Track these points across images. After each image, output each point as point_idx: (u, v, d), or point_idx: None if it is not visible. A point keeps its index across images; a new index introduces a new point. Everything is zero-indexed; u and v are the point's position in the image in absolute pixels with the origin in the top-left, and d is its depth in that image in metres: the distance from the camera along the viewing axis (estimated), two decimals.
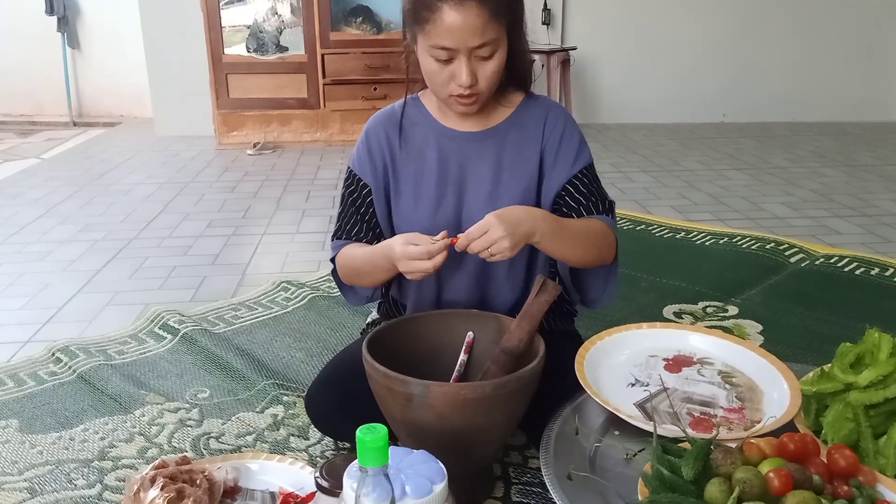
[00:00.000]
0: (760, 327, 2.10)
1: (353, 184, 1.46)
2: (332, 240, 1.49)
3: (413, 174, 1.42)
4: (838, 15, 5.60)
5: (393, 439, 1.02)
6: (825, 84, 5.72)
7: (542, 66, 5.19)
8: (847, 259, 2.61)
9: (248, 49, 4.95)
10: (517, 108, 1.42)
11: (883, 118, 5.76)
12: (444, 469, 0.96)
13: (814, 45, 5.65)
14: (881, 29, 5.66)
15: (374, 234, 1.46)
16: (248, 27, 4.95)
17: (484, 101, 1.34)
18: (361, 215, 1.45)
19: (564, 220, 1.36)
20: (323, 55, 4.90)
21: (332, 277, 1.56)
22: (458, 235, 1.25)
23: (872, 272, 2.50)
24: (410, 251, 1.24)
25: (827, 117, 5.71)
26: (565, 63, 5.23)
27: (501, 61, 1.29)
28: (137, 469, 1.46)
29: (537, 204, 1.41)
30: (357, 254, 1.41)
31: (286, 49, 4.97)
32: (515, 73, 1.39)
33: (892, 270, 2.50)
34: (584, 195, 1.40)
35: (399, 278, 1.45)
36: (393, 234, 1.45)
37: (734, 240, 2.85)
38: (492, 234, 1.21)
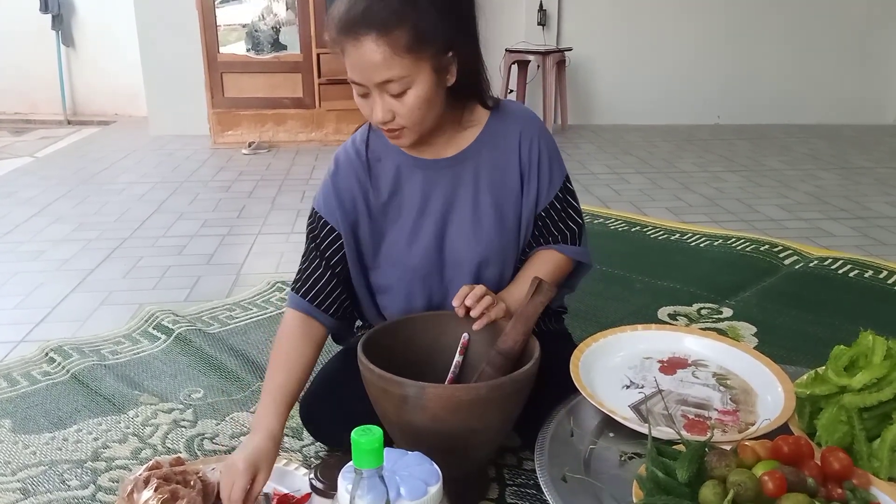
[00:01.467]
0: (755, 329, 2.10)
1: (316, 227, 1.38)
2: (291, 288, 1.40)
3: (391, 211, 1.37)
4: (832, 17, 5.63)
5: (387, 441, 1.02)
6: (819, 86, 5.74)
7: (538, 67, 5.20)
8: (841, 261, 2.62)
9: (247, 48, 4.94)
10: (486, 126, 1.36)
11: (877, 121, 5.78)
12: (439, 471, 0.96)
13: (808, 47, 5.67)
14: (875, 31, 5.69)
15: (340, 279, 1.38)
16: (245, 26, 4.94)
17: (417, 134, 1.27)
18: (327, 260, 1.37)
19: (519, 281, 1.38)
20: (318, 55, 4.89)
21: None
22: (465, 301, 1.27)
23: (866, 274, 2.51)
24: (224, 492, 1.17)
25: (821, 119, 5.73)
26: (561, 64, 5.24)
27: (421, 96, 1.20)
28: (131, 470, 1.45)
29: (518, 223, 1.39)
30: (273, 361, 1.33)
31: (284, 48, 4.97)
32: (469, 90, 1.32)
33: (886, 273, 2.51)
34: (554, 221, 1.40)
35: (380, 317, 1.45)
36: (364, 278, 1.41)
37: (729, 242, 2.86)
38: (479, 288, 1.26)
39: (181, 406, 1.72)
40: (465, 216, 1.36)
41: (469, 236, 1.36)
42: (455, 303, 1.26)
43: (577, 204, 1.45)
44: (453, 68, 1.24)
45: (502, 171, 1.37)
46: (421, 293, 1.40)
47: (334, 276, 1.37)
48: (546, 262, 1.40)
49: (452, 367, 1.34)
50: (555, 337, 1.51)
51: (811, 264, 2.60)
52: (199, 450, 1.55)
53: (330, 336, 1.46)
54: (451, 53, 1.22)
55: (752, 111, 5.71)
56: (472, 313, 1.26)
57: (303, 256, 1.41)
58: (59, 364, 1.90)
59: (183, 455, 1.48)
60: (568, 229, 1.41)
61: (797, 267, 2.59)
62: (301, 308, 1.36)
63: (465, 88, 1.30)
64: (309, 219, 1.41)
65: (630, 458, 1.15)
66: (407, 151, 1.35)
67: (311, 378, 1.50)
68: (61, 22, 6.08)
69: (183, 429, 1.62)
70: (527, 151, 1.36)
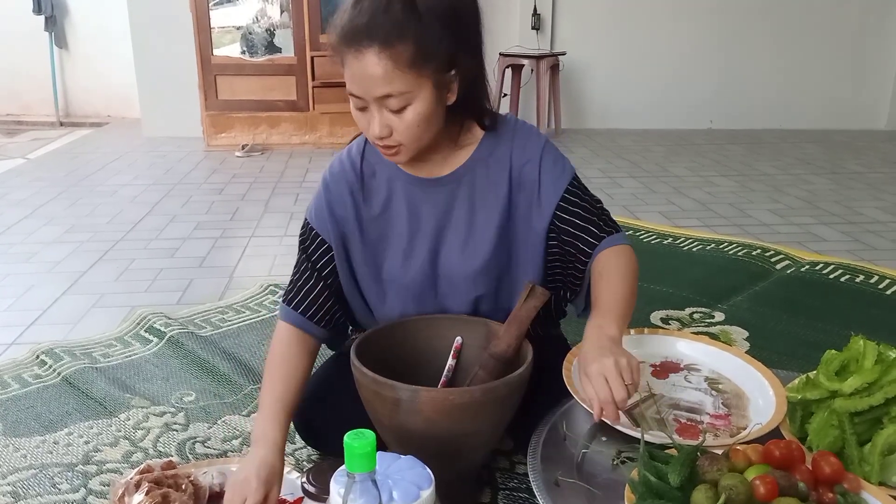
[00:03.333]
0: (747, 333, 2.11)
1: (308, 238, 1.37)
2: (283, 300, 1.37)
3: (381, 226, 1.35)
4: (825, 23, 5.66)
5: (380, 444, 1.02)
6: (812, 91, 5.77)
7: (532, 71, 5.21)
8: (832, 266, 2.63)
9: (242, 51, 4.94)
10: (480, 144, 1.32)
11: (869, 126, 5.81)
12: (432, 475, 0.96)
13: (801, 52, 5.70)
14: (868, 37, 5.72)
15: (332, 291, 1.36)
16: (239, 28, 4.94)
17: (414, 151, 1.23)
18: (318, 271, 1.36)
19: (611, 301, 1.26)
20: (312, 58, 4.89)
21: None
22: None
23: (857, 279, 2.52)
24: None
25: (813, 125, 5.76)
26: (554, 68, 5.25)
27: (421, 112, 1.17)
28: (122, 474, 1.45)
29: (511, 240, 1.33)
30: (268, 373, 1.30)
31: (278, 50, 4.97)
32: (469, 110, 1.29)
33: (877, 278, 2.53)
34: (578, 216, 1.31)
35: (378, 309, 1.41)
36: (357, 289, 1.38)
37: (721, 246, 2.87)
38: (613, 370, 1.10)
39: (173, 409, 1.71)
40: (459, 234, 1.33)
41: (463, 253, 1.33)
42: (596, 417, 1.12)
43: (591, 196, 1.37)
44: (454, 86, 1.21)
45: (495, 186, 1.32)
46: (414, 308, 1.39)
47: (326, 287, 1.36)
48: (610, 265, 1.31)
49: (445, 370, 1.34)
50: (550, 341, 1.51)
51: (803, 269, 2.62)
52: (190, 453, 1.54)
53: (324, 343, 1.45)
54: (453, 71, 1.19)
55: (744, 116, 5.74)
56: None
57: (294, 267, 1.39)
58: (50, 367, 1.89)
59: (174, 459, 1.48)
60: (595, 216, 1.33)
61: (789, 272, 2.60)
62: (293, 321, 1.35)
63: (464, 106, 1.26)
64: (301, 229, 1.39)
65: (622, 462, 1.15)
66: (402, 168, 1.33)
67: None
68: (54, 23, 6.07)
69: (174, 432, 1.62)
70: (519, 156, 1.31)
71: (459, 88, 1.22)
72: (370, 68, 1.13)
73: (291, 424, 1.48)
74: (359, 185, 1.34)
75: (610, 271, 1.31)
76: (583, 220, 1.32)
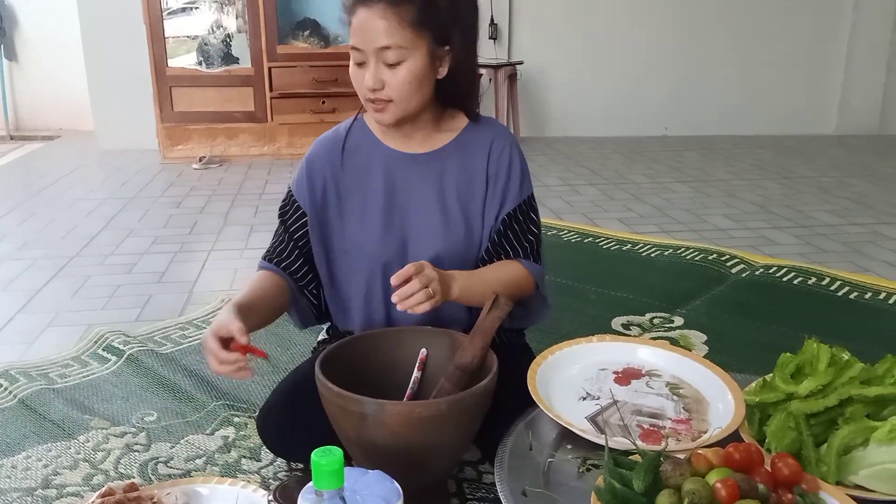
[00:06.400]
0: (705, 337, 2.15)
1: (288, 205, 1.47)
2: (261, 258, 1.49)
3: (358, 197, 1.43)
4: (777, 32, 5.80)
5: (347, 458, 1.02)
6: (764, 98, 5.91)
7: (490, 80, 5.25)
8: (786, 269, 2.70)
9: (198, 61, 4.89)
10: (462, 132, 1.43)
11: (819, 131, 5.97)
12: (400, 489, 0.97)
13: (753, 60, 5.84)
14: (818, 46, 5.88)
15: (303, 255, 1.46)
16: (194, 38, 4.89)
17: (401, 112, 1.33)
18: (291, 235, 1.46)
19: (478, 273, 1.39)
20: (270, 68, 4.86)
21: None
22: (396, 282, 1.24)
23: (809, 281, 2.59)
24: (208, 349, 1.21)
25: (766, 131, 5.89)
26: (512, 77, 5.29)
27: (413, 71, 1.29)
28: (83, 497, 1.42)
29: (481, 226, 1.43)
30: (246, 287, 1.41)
31: (235, 61, 4.92)
32: (456, 94, 1.40)
33: (828, 280, 2.60)
34: (516, 234, 1.43)
35: (341, 305, 1.49)
36: (329, 259, 1.46)
37: (678, 251, 2.92)
38: (429, 273, 1.24)
39: (134, 429, 1.68)
40: (433, 212, 1.41)
41: (435, 231, 1.41)
42: (392, 281, 1.25)
43: (538, 219, 1.49)
44: (446, 63, 1.33)
45: (470, 175, 1.42)
46: (381, 285, 1.42)
47: (297, 248, 1.45)
48: (507, 269, 1.42)
49: (411, 382, 1.34)
50: (514, 350, 1.52)
51: (757, 272, 2.68)
52: (153, 474, 1.52)
53: (298, 323, 1.53)
54: (447, 47, 1.31)
55: (698, 123, 5.85)
56: (399, 307, 1.25)
57: (274, 232, 1.50)
58: (6, 389, 1.84)
59: (137, 480, 1.45)
60: (528, 242, 1.45)
61: (744, 275, 2.66)
62: (267, 267, 1.46)
63: (453, 91, 1.38)
64: (283, 198, 1.49)
65: (588, 469, 1.17)
66: (382, 140, 1.42)
67: (270, 392, 1.50)
68: (3, 35, 5.93)
69: (136, 453, 1.59)
70: (496, 157, 1.42)
71: (450, 66, 1.33)
72: (375, 21, 1.26)
73: (257, 437, 1.48)
74: (339, 156, 1.44)
75: (499, 268, 1.42)
76: (521, 237, 1.44)
